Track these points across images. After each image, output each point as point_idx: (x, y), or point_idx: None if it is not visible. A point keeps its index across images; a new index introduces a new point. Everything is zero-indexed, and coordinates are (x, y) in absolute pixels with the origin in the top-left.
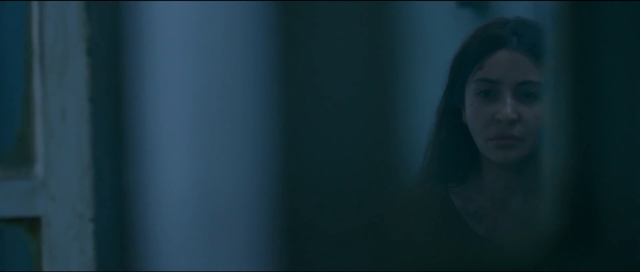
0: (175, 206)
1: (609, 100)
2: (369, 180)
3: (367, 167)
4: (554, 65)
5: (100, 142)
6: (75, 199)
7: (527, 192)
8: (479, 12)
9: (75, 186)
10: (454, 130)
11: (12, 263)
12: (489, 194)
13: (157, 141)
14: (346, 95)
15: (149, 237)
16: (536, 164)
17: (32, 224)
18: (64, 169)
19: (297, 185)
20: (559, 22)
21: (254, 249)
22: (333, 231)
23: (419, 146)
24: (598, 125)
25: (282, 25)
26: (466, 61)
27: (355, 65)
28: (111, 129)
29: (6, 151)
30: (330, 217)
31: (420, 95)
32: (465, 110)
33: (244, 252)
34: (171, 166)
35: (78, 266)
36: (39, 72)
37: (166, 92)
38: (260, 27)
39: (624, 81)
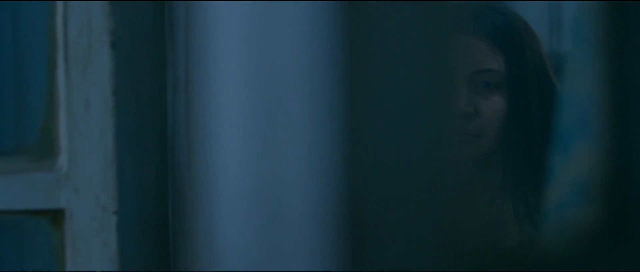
0: (229, 201)
1: None
2: (433, 179)
3: (430, 166)
4: (593, 61)
5: (124, 135)
6: (98, 192)
7: (493, 194)
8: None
9: (99, 179)
10: None
11: (34, 256)
12: None
13: (211, 136)
14: (410, 92)
15: (200, 233)
16: (501, 161)
17: (55, 217)
18: (87, 161)
19: (359, 183)
20: (596, 19)
21: (315, 249)
22: (396, 230)
23: None
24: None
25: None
26: None
27: (418, 64)
28: (134, 121)
29: (30, 143)
30: (394, 216)
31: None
32: None
33: (302, 251)
34: (226, 162)
35: (101, 259)
36: (63, 64)
37: (220, 86)
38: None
39: None
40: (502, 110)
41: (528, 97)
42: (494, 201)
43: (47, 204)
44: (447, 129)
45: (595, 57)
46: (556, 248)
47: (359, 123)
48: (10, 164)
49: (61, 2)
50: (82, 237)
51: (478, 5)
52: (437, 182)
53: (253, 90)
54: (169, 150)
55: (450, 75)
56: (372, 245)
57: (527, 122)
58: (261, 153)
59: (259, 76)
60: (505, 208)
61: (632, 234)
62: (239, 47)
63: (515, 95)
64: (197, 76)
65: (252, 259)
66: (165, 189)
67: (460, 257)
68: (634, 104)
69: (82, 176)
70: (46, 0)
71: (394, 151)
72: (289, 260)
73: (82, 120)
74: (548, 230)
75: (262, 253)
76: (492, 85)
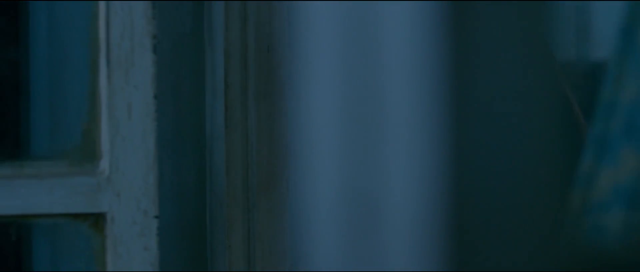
0: (322, 202)
1: None
2: (537, 181)
3: (535, 168)
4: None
5: (163, 139)
6: (140, 196)
7: None
8: None
9: (140, 183)
10: None
11: (75, 259)
12: None
13: (305, 138)
14: (514, 91)
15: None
16: None
17: (97, 221)
18: (129, 165)
19: (463, 183)
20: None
21: (416, 249)
22: (498, 232)
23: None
24: None
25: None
26: None
27: (523, 63)
28: (173, 125)
29: (72, 147)
30: (496, 218)
31: (594, 94)
32: None
33: (401, 251)
34: (321, 163)
35: (141, 263)
36: (105, 68)
37: (316, 87)
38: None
39: None
40: None
41: None
42: None
43: (88, 208)
44: (551, 129)
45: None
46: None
47: (463, 123)
48: (52, 168)
49: (103, 5)
50: (123, 241)
51: None
52: (540, 183)
53: (350, 91)
54: (208, 154)
55: (554, 73)
56: (475, 246)
57: None
58: (358, 154)
59: (356, 77)
60: None
61: None
62: (336, 48)
63: None
64: (291, 77)
65: (346, 259)
66: (203, 192)
67: (561, 259)
68: None
69: (123, 179)
70: (88, 1)
71: (498, 151)
72: (386, 260)
73: (124, 124)
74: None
75: (358, 253)
76: None
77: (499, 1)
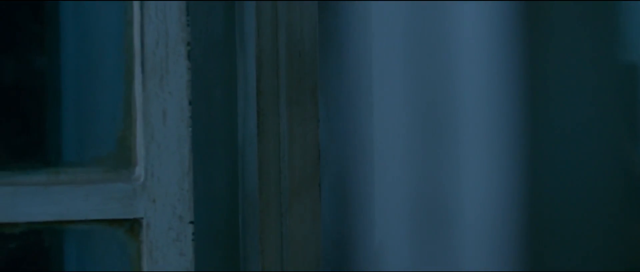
0: (391, 205)
1: None
2: (611, 181)
3: (610, 168)
4: None
5: (196, 145)
6: (175, 202)
7: None
8: None
9: (175, 188)
10: None
11: (110, 265)
12: None
13: (372, 142)
14: (589, 92)
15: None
16: None
17: (132, 226)
18: (164, 171)
19: (536, 187)
20: None
21: (489, 251)
22: (573, 232)
23: None
24: None
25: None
26: None
27: (597, 65)
28: (206, 131)
29: (107, 154)
30: (570, 219)
31: None
32: None
33: (473, 253)
34: (389, 167)
35: (177, 269)
36: (139, 75)
37: (383, 93)
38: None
39: None
40: None
41: None
42: None
43: (124, 214)
44: (625, 129)
45: None
46: None
47: (537, 124)
48: (88, 175)
49: (137, 12)
50: (158, 246)
51: None
52: (614, 183)
53: (420, 94)
54: (240, 159)
55: (628, 74)
56: (549, 247)
57: None
58: (428, 157)
59: (425, 79)
60: None
61: None
62: (401, 51)
63: None
64: (356, 83)
65: (417, 259)
66: (234, 197)
67: (635, 259)
68: None
69: (158, 185)
70: (123, 10)
71: (573, 151)
72: (458, 260)
73: (158, 130)
74: None
75: (429, 254)
76: None
77: (572, 1)
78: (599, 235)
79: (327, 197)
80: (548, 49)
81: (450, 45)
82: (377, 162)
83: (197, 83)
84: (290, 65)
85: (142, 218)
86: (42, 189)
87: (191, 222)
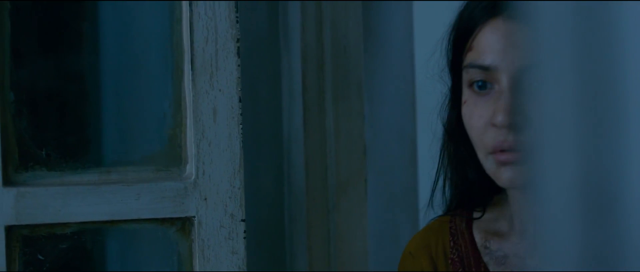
0: (559, 198)
1: None
2: None
3: None
4: None
5: (244, 142)
6: (226, 199)
7: None
8: None
9: (227, 186)
10: (467, 140)
11: (163, 263)
12: (516, 226)
13: (540, 135)
14: None
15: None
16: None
17: (184, 225)
18: (215, 169)
19: None
20: None
21: None
22: None
23: None
24: None
25: None
26: (457, 38)
27: None
28: (252, 129)
29: (157, 152)
30: None
31: None
32: None
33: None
34: (557, 160)
35: (229, 267)
36: (189, 72)
37: (550, 84)
38: None
39: None
40: None
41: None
42: None
43: (175, 213)
44: None
45: None
46: None
47: None
48: (139, 173)
49: (186, 10)
50: (210, 245)
51: None
52: None
53: (587, 87)
54: (285, 155)
55: None
56: None
57: None
58: (595, 150)
59: (592, 72)
60: None
61: None
62: (569, 45)
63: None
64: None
65: (584, 255)
66: (280, 194)
67: None
68: None
69: (210, 184)
70: (171, 7)
71: None
72: (624, 256)
73: (209, 128)
74: None
75: (596, 251)
76: None
77: None
78: None
79: (372, 193)
80: None
81: (617, 39)
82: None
83: (243, 80)
84: (336, 61)
85: (193, 217)
86: (94, 188)
87: (243, 220)
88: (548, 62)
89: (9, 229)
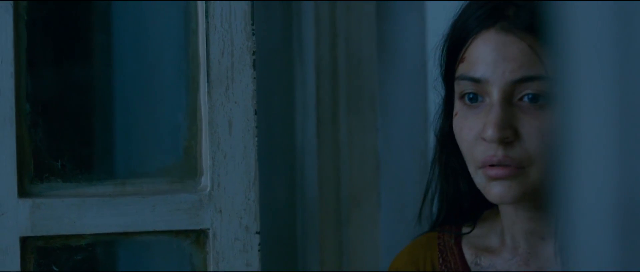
0: (592, 208)
1: None
2: None
3: None
4: None
5: (260, 154)
6: (241, 212)
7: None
8: None
9: (242, 199)
10: (459, 151)
11: None
12: (507, 242)
13: (573, 145)
14: None
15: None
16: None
17: (198, 237)
18: (230, 181)
19: None
20: None
21: None
22: None
23: None
24: None
25: None
26: (450, 48)
27: None
28: (266, 141)
29: (172, 164)
30: None
31: None
32: None
33: None
34: (591, 169)
35: None
36: (205, 85)
37: (583, 96)
38: None
39: None
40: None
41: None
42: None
43: (190, 225)
44: None
45: None
46: None
47: None
48: (154, 185)
49: (202, 22)
50: (225, 257)
51: None
52: None
53: (625, 94)
54: (298, 168)
55: None
56: None
57: None
58: (631, 157)
59: (631, 79)
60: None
61: None
62: (608, 50)
63: None
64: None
65: (619, 265)
66: (293, 206)
67: None
68: None
69: (225, 196)
70: (187, 19)
71: None
72: None
73: (224, 140)
74: None
75: (628, 259)
76: (538, 98)
77: None
78: None
79: (385, 206)
80: None
81: None
82: (581, 167)
83: (257, 92)
84: (349, 74)
85: (208, 229)
86: (109, 200)
87: (257, 233)
88: (586, 67)
89: (24, 240)
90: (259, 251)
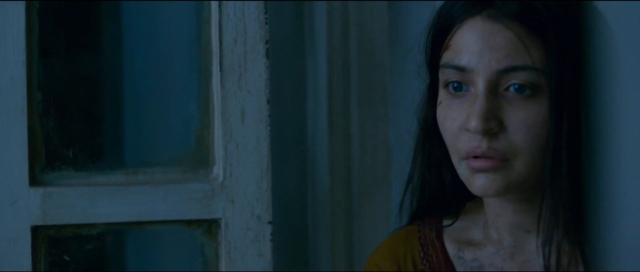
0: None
1: None
2: None
3: None
4: None
5: (275, 145)
6: (254, 202)
7: (548, 229)
8: None
9: (254, 188)
10: (441, 143)
11: (188, 265)
12: (491, 235)
13: (613, 140)
14: None
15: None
16: (552, 188)
17: (210, 227)
18: (242, 171)
19: None
20: None
21: None
22: None
23: None
24: None
25: None
26: (435, 35)
27: None
28: (277, 131)
29: (184, 153)
30: None
31: None
32: None
33: None
34: (631, 164)
35: (255, 269)
36: (217, 74)
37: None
38: None
39: None
40: (539, 124)
41: (576, 106)
42: (550, 239)
43: (202, 214)
44: None
45: None
46: None
47: None
48: (166, 175)
49: (215, 11)
50: (237, 247)
51: None
52: None
53: None
54: (309, 158)
55: None
56: None
57: (574, 141)
58: None
59: None
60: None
61: None
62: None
63: (558, 104)
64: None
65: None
66: (303, 197)
67: None
68: None
69: (237, 185)
70: (200, 8)
71: None
72: None
73: (237, 130)
74: None
75: None
76: (525, 88)
77: None
78: None
79: (396, 197)
80: None
81: None
82: (621, 160)
83: (269, 82)
84: (361, 65)
85: (220, 219)
86: (121, 189)
87: (270, 223)
88: (628, 61)
89: (35, 229)
90: (271, 240)
